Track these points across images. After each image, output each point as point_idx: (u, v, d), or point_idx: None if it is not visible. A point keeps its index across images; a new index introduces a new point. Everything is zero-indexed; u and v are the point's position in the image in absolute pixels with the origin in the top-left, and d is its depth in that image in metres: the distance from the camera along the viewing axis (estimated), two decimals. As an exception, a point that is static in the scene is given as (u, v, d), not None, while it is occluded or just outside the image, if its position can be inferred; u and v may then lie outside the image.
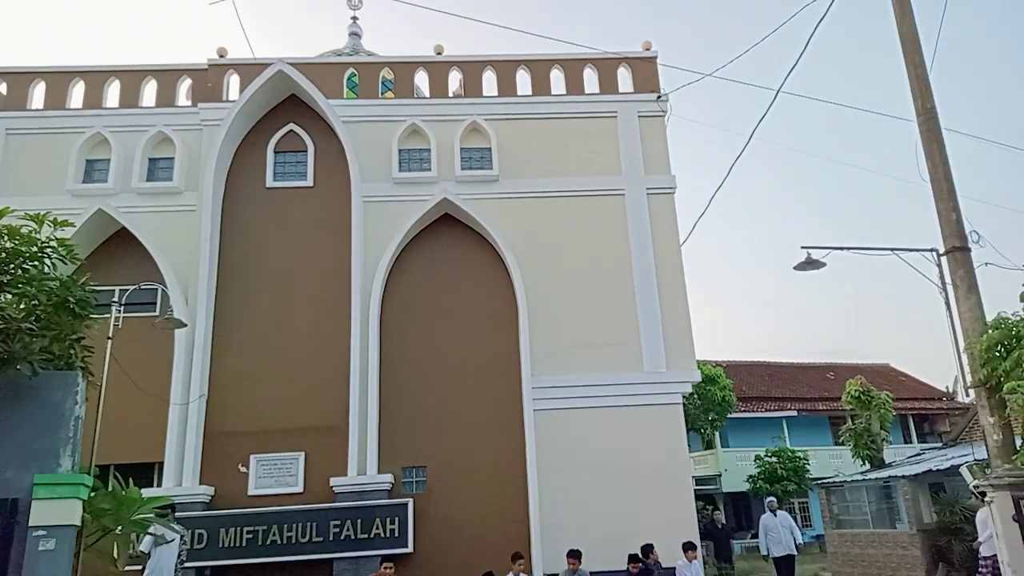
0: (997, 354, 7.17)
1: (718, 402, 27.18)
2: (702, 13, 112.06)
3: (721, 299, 71.70)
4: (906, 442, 32.36)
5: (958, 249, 7.88)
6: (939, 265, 8.23)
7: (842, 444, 23.81)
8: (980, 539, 12.16)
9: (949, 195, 8.12)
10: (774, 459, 28.06)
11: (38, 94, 15.94)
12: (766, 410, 32.07)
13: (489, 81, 16.45)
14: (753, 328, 64.40)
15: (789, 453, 28.28)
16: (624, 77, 16.42)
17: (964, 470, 9.07)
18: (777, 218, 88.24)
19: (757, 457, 28.57)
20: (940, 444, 24.70)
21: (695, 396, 25.55)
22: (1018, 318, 7.01)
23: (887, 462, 22.06)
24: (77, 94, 16.02)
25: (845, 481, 20.10)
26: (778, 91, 10.64)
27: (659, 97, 15.90)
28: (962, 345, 7.69)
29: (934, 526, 17.03)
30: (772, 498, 15.95)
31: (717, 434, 30.56)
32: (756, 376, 34.93)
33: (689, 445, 29.70)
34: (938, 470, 16.75)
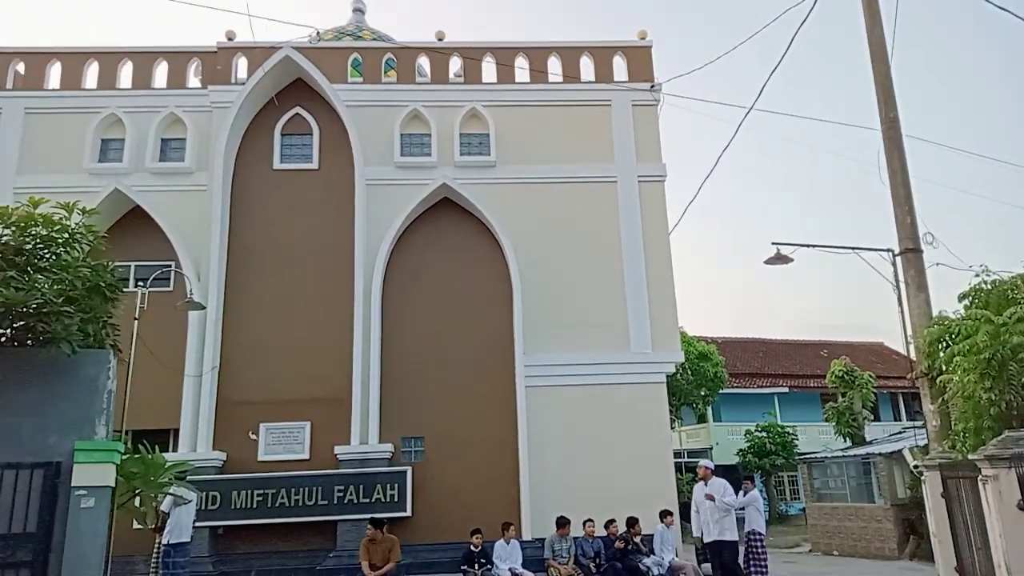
0: (938, 348, 7.93)
1: (710, 378, 27.99)
2: (699, 4, 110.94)
3: (720, 277, 72.39)
4: (895, 419, 33.22)
5: (911, 251, 8.57)
6: (894, 264, 8.93)
7: (827, 421, 24.67)
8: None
9: (906, 200, 8.79)
10: (764, 434, 28.96)
11: (55, 74, 16.55)
12: (758, 386, 32.91)
13: (488, 67, 16.99)
14: (750, 305, 65.18)
15: (778, 428, 29.18)
16: (619, 66, 16.95)
17: (906, 451, 9.85)
18: (770, 200, 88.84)
19: (747, 431, 29.48)
20: (923, 422, 25.57)
21: (688, 371, 26.37)
22: (957, 316, 7.73)
23: (868, 439, 22.98)
24: (92, 74, 16.61)
25: (826, 457, 21.02)
26: (750, 108, 11.33)
27: (652, 87, 16.45)
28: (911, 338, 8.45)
29: (907, 501, 17.94)
30: (705, 461, 11.85)
31: (709, 408, 31.45)
32: (750, 352, 35.73)
33: (682, 419, 30.83)
34: (911, 448, 17.63)
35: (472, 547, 11.81)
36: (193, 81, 16.81)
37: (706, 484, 10.97)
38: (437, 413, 14.73)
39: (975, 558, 7.14)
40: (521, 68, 16.94)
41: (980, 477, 5.68)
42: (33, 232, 7.20)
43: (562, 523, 12.29)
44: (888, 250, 9.04)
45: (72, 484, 6.56)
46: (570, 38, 16.80)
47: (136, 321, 8.93)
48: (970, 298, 7.53)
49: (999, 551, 5.34)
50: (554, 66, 17.01)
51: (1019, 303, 6.70)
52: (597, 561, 12.01)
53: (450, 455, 14.51)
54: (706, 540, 10.79)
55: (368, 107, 16.21)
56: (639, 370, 14.99)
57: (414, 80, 17.06)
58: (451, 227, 15.90)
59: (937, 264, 8.51)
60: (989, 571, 6.94)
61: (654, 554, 12.48)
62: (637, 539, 12.58)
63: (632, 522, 12.76)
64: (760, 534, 12.17)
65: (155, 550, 10.56)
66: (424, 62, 17.41)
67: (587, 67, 17.00)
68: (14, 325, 6.97)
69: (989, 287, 7.27)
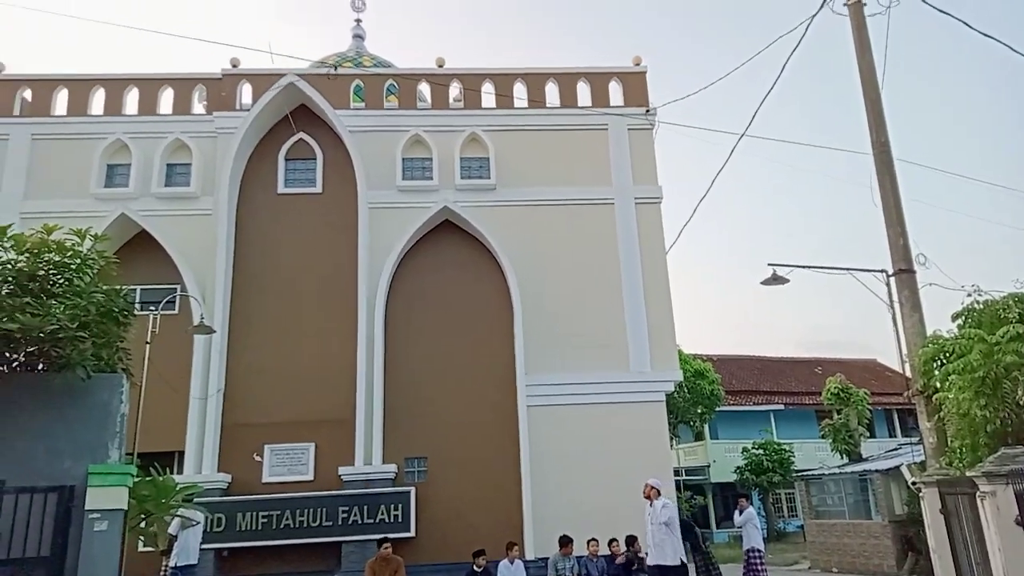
0: (933, 367, 8.13)
1: (707, 395, 28.09)
2: (692, 29, 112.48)
3: (714, 294, 72.69)
4: (890, 435, 33.26)
5: (904, 271, 8.81)
6: (888, 285, 9.16)
7: (823, 438, 24.78)
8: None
9: (898, 222, 9.04)
10: (760, 451, 29.01)
11: (61, 101, 16.78)
12: (754, 403, 33.00)
13: (488, 93, 17.30)
14: (745, 322, 65.41)
15: (775, 445, 29.24)
16: (615, 91, 17.29)
17: (904, 469, 10.01)
18: (766, 218, 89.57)
19: (744, 449, 29.53)
20: (918, 439, 25.68)
21: (685, 389, 26.49)
22: (951, 335, 7.94)
23: (864, 456, 23.10)
24: (98, 101, 16.86)
25: (823, 474, 21.09)
26: (742, 135, 11.60)
27: (648, 111, 16.79)
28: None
29: (904, 517, 18.04)
30: (653, 480, 10.42)
31: (706, 426, 31.51)
32: (746, 370, 35.85)
33: (679, 436, 30.89)
34: (908, 465, 17.73)
35: (475, 568, 11.85)
36: (198, 107, 17.07)
37: (651, 504, 9.90)
38: (440, 433, 14.85)
39: (974, 573, 7.29)
40: (520, 98, 17.25)
41: (978, 493, 5.85)
42: (46, 258, 7.29)
43: (565, 542, 12.35)
44: (882, 271, 9.28)
45: (86, 507, 6.61)
46: (567, 64, 17.13)
47: (148, 345, 9.06)
48: (963, 318, 7.75)
49: (998, 565, 5.51)
50: (552, 91, 17.34)
51: (1011, 323, 6.91)
52: (601, 579, 12.07)
53: (453, 475, 14.61)
54: (649, 563, 10.05)
55: (370, 132, 16.48)
56: (639, 389, 15.17)
57: (415, 105, 17.34)
58: (452, 249, 16.13)
59: (930, 284, 8.74)
60: (988, 585, 7.09)
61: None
62: (641, 555, 12.65)
63: (631, 540, 12.84)
64: (759, 551, 12.31)
65: (162, 573, 10.62)
66: (424, 88, 17.72)
67: (584, 92, 17.34)
68: (28, 350, 7.05)
69: (981, 307, 7.48)
